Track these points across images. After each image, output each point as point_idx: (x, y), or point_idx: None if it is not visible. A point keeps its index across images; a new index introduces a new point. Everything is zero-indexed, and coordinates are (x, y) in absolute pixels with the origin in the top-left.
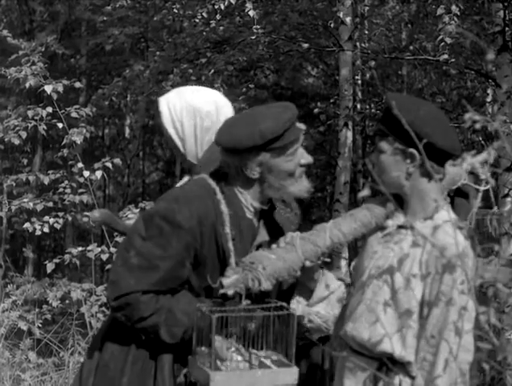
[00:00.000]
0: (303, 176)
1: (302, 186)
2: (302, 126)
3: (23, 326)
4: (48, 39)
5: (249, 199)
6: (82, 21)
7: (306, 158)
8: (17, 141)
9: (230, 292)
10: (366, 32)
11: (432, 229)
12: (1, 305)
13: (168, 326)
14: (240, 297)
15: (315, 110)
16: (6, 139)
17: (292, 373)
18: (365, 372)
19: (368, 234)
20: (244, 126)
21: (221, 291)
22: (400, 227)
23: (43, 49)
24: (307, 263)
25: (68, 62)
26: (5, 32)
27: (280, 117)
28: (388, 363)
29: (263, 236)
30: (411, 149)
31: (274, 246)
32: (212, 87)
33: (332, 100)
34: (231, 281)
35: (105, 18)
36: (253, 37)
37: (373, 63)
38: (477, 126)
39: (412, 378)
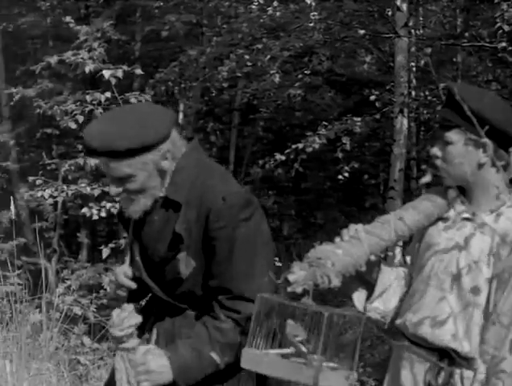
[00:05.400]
0: None
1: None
2: None
3: (78, 310)
4: (104, 25)
5: None
6: (137, 7)
7: None
8: (74, 125)
9: (299, 289)
10: (421, 19)
11: (495, 217)
12: (56, 290)
13: None
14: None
15: (372, 97)
16: (63, 125)
17: None
18: (424, 363)
19: (428, 225)
20: (138, 122)
21: (289, 289)
22: (464, 219)
23: (99, 35)
24: (372, 257)
25: (123, 48)
26: (68, 18)
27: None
28: (452, 354)
29: None
30: (485, 139)
31: (337, 240)
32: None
33: (387, 87)
34: (298, 278)
35: (161, 4)
36: (311, 24)
37: (429, 50)
38: None
39: (474, 370)
